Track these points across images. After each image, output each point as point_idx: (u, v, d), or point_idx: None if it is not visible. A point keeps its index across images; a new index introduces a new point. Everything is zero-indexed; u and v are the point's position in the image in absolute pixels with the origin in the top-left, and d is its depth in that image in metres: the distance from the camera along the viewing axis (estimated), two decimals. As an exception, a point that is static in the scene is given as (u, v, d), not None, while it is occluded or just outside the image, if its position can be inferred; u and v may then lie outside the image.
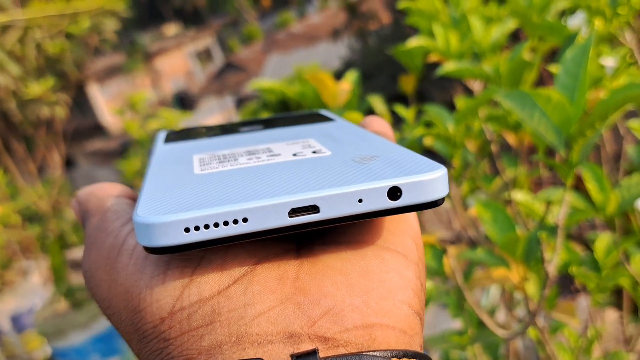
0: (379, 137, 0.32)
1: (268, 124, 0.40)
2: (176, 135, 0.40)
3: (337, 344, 0.23)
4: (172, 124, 1.98)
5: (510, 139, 0.91)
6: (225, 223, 0.22)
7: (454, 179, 0.84)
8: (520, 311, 1.03)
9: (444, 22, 0.91)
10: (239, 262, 0.25)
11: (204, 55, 15.13)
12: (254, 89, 1.04)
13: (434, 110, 0.75)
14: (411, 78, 1.05)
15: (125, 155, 2.30)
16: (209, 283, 0.24)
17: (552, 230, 0.64)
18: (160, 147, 0.36)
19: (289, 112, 0.54)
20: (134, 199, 0.31)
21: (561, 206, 0.56)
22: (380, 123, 0.37)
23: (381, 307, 0.24)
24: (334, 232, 0.27)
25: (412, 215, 0.29)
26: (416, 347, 0.25)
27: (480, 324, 0.82)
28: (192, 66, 14.30)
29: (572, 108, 0.53)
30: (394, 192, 0.24)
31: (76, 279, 2.78)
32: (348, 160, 0.27)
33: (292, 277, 0.24)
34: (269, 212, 0.22)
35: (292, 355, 0.22)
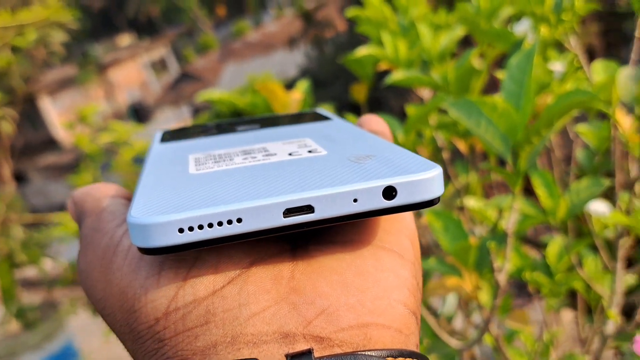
0: (375, 136, 0.32)
1: (265, 122, 0.40)
2: (172, 135, 0.40)
3: (332, 343, 0.23)
4: (124, 137, 1.94)
5: (461, 146, 0.91)
6: (220, 223, 0.22)
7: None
8: (477, 317, 1.04)
9: (392, 30, 0.91)
10: (233, 263, 0.25)
11: (159, 66, 15.00)
12: (205, 100, 1.02)
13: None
14: (363, 86, 1.05)
15: (76, 169, 2.25)
16: (204, 283, 0.24)
17: (503, 237, 0.64)
18: (156, 147, 0.36)
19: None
20: (130, 200, 0.31)
21: (510, 213, 0.55)
22: (377, 122, 0.37)
23: (376, 307, 0.24)
24: (329, 231, 0.27)
25: (408, 215, 0.29)
26: (412, 347, 0.25)
27: (435, 334, 0.81)
28: (147, 77, 14.15)
29: (518, 115, 0.53)
30: (389, 192, 0.24)
31: (27, 298, 2.71)
32: (344, 160, 0.27)
33: (287, 277, 0.24)
34: (264, 212, 0.22)
35: (287, 355, 0.22)
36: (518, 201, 0.56)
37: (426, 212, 0.73)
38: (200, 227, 0.22)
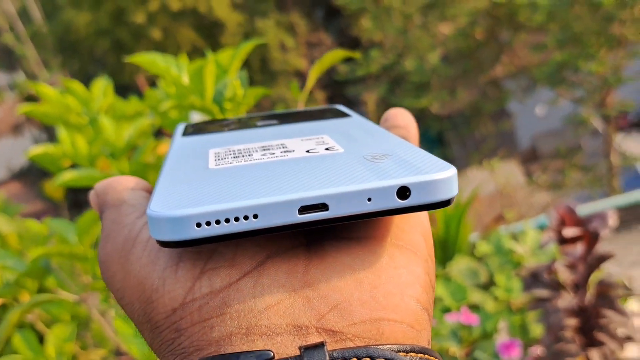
0: (393, 135, 0.31)
1: (285, 118, 0.40)
2: (194, 128, 0.40)
3: (345, 337, 0.23)
4: None
5: None
6: (236, 219, 0.22)
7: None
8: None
9: (74, 124, 0.86)
10: (249, 256, 0.25)
11: None
12: None
13: (57, 225, 0.69)
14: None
15: None
16: (220, 276, 0.24)
17: None
18: (178, 140, 0.36)
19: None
20: (150, 192, 0.31)
21: None
22: (404, 116, 0.36)
23: (389, 302, 0.24)
24: (343, 227, 0.27)
25: (422, 212, 0.28)
26: (424, 343, 0.25)
27: None
28: None
29: None
30: (403, 192, 0.23)
31: None
32: (359, 158, 0.27)
33: (301, 272, 0.24)
34: (279, 209, 0.22)
35: (300, 348, 0.22)
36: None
37: (116, 319, 0.69)
38: (217, 222, 0.22)
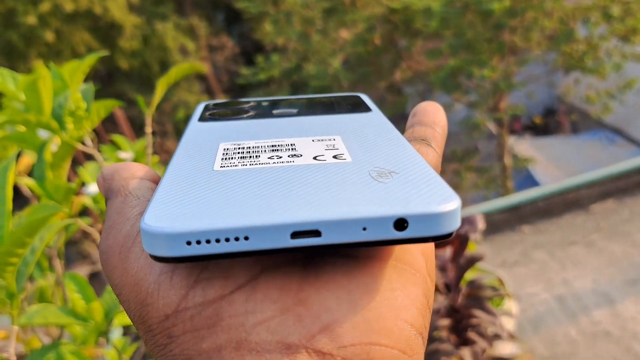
0: (408, 145, 0.30)
1: (306, 107, 0.39)
2: (213, 111, 0.39)
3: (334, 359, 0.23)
4: None
5: None
6: (227, 239, 0.22)
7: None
8: None
9: None
10: (244, 269, 0.25)
11: None
12: None
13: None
14: None
15: None
16: (214, 287, 0.24)
17: None
18: (193, 126, 0.36)
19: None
20: (157, 183, 0.30)
21: (11, 337, 0.52)
22: (434, 113, 0.35)
23: (382, 327, 0.24)
24: None
25: None
26: None
27: None
28: None
29: (3, 234, 0.50)
30: (401, 223, 0.22)
31: None
32: (364, 174, 0.26)
33: (295, 289, 0.24)
34: (271, 233, 0.22)
35: None
36: (15, 327, 0.52)
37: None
38: (208, 241, 0.22)
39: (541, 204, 2.81)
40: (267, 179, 0.26)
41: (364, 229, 0.23)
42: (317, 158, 0.29)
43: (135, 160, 0.76)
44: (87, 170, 0.97)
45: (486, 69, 5.54)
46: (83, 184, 0.91)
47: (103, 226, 0.31)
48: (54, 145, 0.75)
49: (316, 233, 0.22)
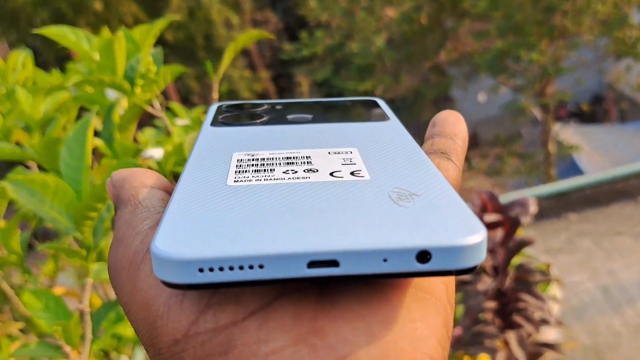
0: (428, 161, 0.29)
1: (320, 112, 0.38)
2: (225, 115, 0.38)
3: None
4: None
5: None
6: (241, 267, 0.21)
7: None
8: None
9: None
10: (257, 295, 0.24)
11: None
12: None
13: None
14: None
15: None
16: (226, 312, 0.23)
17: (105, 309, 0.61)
18: (206, 131, 0.34)
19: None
20: (168, 192, 0.30)
21: (86, 290, 0.53)
22: (455, 122, 0.33)
23: None
24: None
25: None
26: None
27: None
28: None
29: (77, 191, 0.51)
30: (424, 255, 0.21)
31: None
32: (384, 195, 0.25)
33: (309, 317, 0.23)
34: (286, 262, 0.21)
35: None
36: (90, 280, 0.54)
37: (25, 292, 0.67)
38: (221, 269, 0.21)
39: (589, 192, 2.76)
40: (283, 199, 0.25)
41: (385, 260, 0.21)
42: (333, 174, 0.28)
43: (191, 128, 0.76)
44: (146, 136, 0.98)
45: (534, 53, 5.43)
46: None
47: (113, 239, 0.29)
48: (120, 109, 0.76)
49: (334, 263, 0.21)
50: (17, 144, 0.81)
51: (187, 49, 8.66)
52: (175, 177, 0.80)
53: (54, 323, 0.64)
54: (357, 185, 0.26)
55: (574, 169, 6.32)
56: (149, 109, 0.69)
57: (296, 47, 7.16)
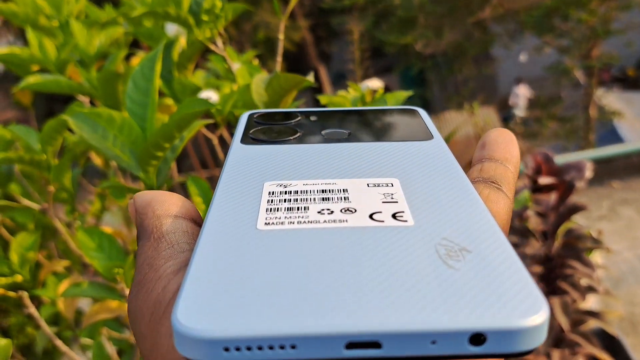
0: (478, 201, 0.26)
1: (356, 127, 0.35)
2: (256, 130, 0.35)
3: None
4: None
5: (97, 160, 0.85)
6: (271, 347, 0.19)
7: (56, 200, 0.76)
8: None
9: (43, 27, 0.82)
10: None
11: None
12: None
13: (20, 132, 0.65)
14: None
15: None
16: None
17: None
18: (236, 151, 0.32)
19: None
20: (195, 222, 0.28)
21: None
22: (506, 146, 0.30)
23: None
24: None
25: None
26: None
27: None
28: None
29: (143, 127, 0.49)
30: (477, 337, 0.19)
31: None
32: (431, 251, 0.22)
33: None
34: (322, 343, 0.19)
35: None
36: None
37: (79, 230, 0.66)
38: (249, 348, 0.19)
39: (635, 160, 2.68)
40: (318, 256, 0.22)
41: (433, 342, 0.19)
42: (373, 217, 0.25)
43: (241, 71, 0.73)
44: (197, 78, 0.96)
45: (584, 12, 5.25)
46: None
47: (134, 276, 0.27)
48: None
49: (375, 345, 0.19)
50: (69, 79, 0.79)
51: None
52: (234, 121, 0.78)
53: (107, 263, 0.63)
54: (400, 235, 0.24)
55: (614, 136, 6.18)
56: (213, 47, 0.66)
57: (337, -5, 7.03)
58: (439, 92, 8.68)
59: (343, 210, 0.25)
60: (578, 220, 2.01)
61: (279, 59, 0.69)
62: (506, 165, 0.30)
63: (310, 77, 0.52)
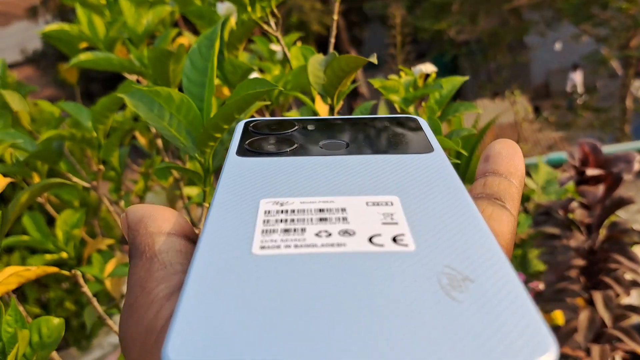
0: (480, 222, 0.25)
1: (355, 138, 0.34)
2: (251, 141, 0.34)
3: None
4: None
5: (142, 140, 0.85)
6: None
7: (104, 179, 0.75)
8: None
9: (93, 4, 0.81)
10: None
11: None
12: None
13: (71, 108, 0.65)
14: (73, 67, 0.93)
15: None
16: None
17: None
18: (231, 164, 0.31)
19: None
20: (189, 239, 0.27)
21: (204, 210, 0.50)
22: (511, 160, 0.30)
23: None
24: None
25: None
26: None
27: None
28: None
29: (201, 107, 0.48)
30: None
31: None
32: (432, 281, 0.21)
33: None
34: None
35: None
36: (206, 204, 0.51)
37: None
38: None
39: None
40: (314, 286, 0.21)
41: None
42: (373, 241, 0.24)
43: (295, 53, 0.71)
44: (242, 60, 0.94)
45: (624, 1, 5.14)
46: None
47: (125, 299, 0.26)
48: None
49: None
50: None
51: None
52: (284, 103, 0.77)
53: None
54: (400, 262, 0.22)
55: (649, 127, 6.07)
56: (265, 27, 0.65)
57: (371, -20, 6.97)
58: (471, 79, 8.58)
59: (341, 233, 0.25)
60: (618, 213, 1.97)
61: (332, 40, 0.68)
62: (510, 180, 0.29)
63: (373, 58, 0.50)
